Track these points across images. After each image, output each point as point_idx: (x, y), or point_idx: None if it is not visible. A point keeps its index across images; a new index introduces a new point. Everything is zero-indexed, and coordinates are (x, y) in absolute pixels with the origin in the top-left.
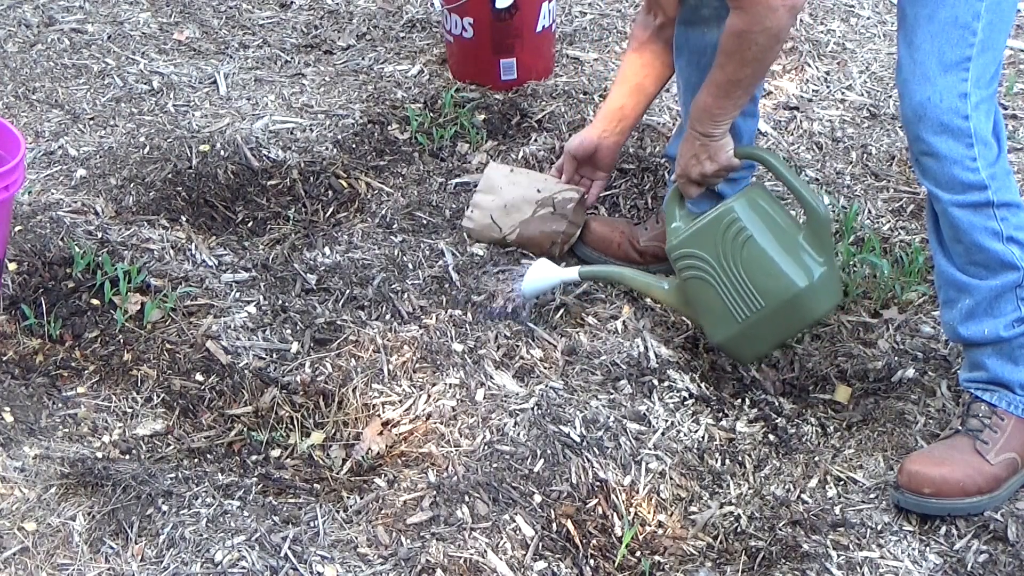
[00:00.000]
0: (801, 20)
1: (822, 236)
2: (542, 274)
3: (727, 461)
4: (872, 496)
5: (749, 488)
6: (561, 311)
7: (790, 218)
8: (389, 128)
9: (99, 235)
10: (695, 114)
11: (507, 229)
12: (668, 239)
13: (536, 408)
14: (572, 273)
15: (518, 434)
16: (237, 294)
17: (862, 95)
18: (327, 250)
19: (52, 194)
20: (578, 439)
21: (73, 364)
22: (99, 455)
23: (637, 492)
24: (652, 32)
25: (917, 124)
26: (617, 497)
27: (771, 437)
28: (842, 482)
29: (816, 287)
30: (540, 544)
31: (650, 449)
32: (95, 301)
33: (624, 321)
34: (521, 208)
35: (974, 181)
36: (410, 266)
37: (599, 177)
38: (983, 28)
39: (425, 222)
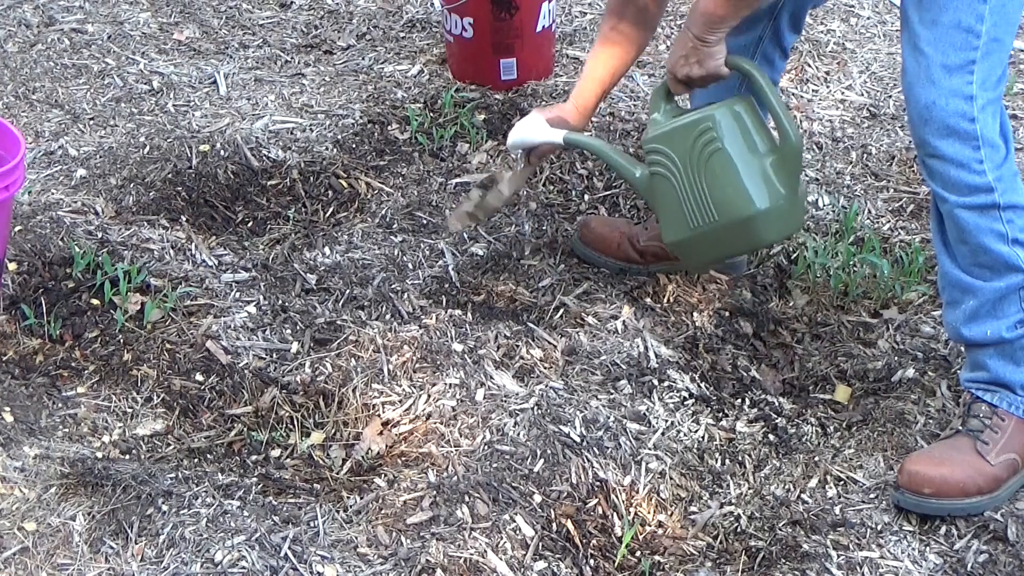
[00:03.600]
0: None
1: (791, 164)
2: (529, 131)
3: (727, 461)
4: (872, 496)
5: (749, 488)
6: (561, 311)
7: (767, 140)
8: (389, 128)
9: (99, 235)
10: (693, 16)
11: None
12: (646, 130)
13: (536, 408)
14: (557, 136)
15: (518, 434)
16: (237, 294)
17: (862, 95)
18: (327, 250)
19: (52, 194)
20: (578, 439)
21: (73, 364)
22: (99, 455)
23: (637, 492)
24: (616, 16)
25: (923, 127)
26: (617, 497)
27: (771, 437)
28: (842, 482)
29: (771, 213)
30: (540, 544)
31: (650, 449)
32: (95, 301)
33: (624, 321)
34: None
35: (980, 183)
36: (410, 266)
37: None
38: (987, 31)
39: (425, 222)
